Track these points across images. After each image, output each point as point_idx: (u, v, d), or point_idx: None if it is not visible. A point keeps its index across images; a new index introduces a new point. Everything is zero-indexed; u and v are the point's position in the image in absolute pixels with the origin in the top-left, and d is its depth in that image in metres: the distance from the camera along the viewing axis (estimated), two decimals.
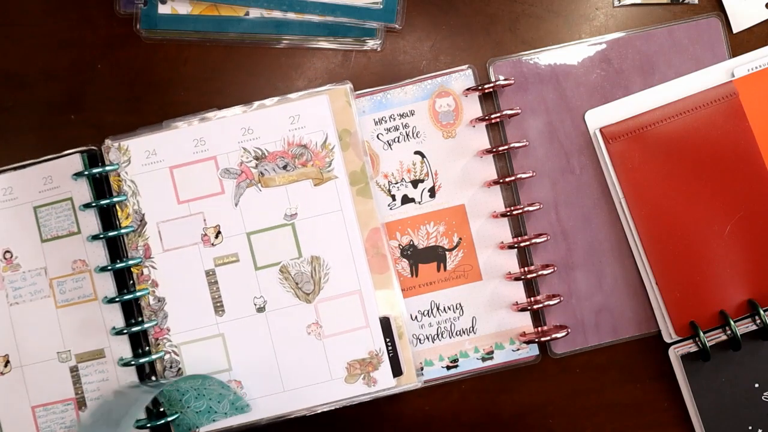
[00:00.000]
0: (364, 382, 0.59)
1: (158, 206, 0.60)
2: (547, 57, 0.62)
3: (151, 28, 0.62)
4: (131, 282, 0.60)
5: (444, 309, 0.61)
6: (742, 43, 0.62)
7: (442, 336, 0.60)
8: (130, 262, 0.59)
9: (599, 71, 0.61)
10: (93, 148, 0.60)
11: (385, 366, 0.59)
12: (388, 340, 0.59)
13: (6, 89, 0.62)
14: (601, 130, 0.60)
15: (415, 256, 0.61)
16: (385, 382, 0.59)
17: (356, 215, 0.60)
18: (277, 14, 0.62)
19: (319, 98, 0.60)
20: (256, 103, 0.61)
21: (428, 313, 0.61)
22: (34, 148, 0.61)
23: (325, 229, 0.59)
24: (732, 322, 0.58)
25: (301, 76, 0.63)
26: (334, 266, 0.59)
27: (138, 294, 0.59)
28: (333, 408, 0.59)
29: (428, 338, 0.60)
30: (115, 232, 0.59)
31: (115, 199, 0.59)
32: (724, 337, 0.59)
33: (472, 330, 0.60)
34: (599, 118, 0.61)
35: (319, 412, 0.59)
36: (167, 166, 0.60)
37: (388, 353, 0.59)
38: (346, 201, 0.60)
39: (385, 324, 0.59)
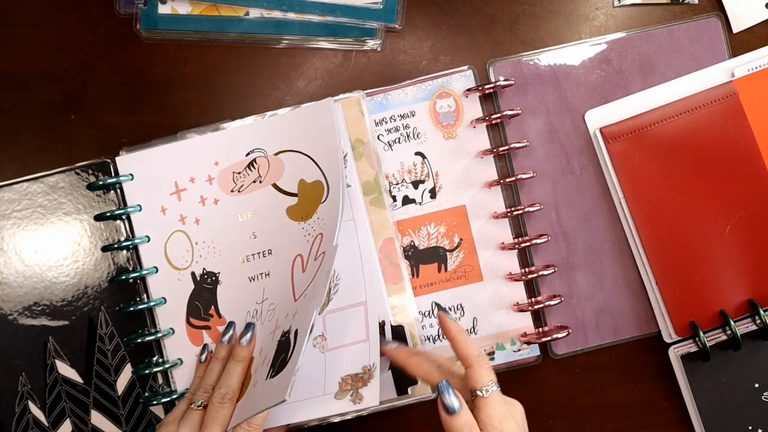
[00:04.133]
0: (350, 398, 0.54)
1: None
2: (547, 57, 0.61)
3: (151, 28, 0.61)
4: (145, 294, 0.60)
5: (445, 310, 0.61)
6: (742, 43, 0.62)
7: (443, 337, 0.60)
8: (144, 272, 0.59)
9: (599, 71, 0.61)
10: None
11: (374, 382, 0.54)
12: None
13: (6, 89, 0.62)
14: (601, 130, 0.60)
15: (416, 256, 0.61)
16: (370, 400, 0.54)
17: (369, 225, 0.59)
18: (277, 14, 0.61)
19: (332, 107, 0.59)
20: (269, 113, 0.60)
21: (429, 314, 0.60)
22: (35, 148, 0.61)
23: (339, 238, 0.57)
24: (732, 322, 0.58)
25: (301, 76, 0.62)
26: (344, 276, 0.58)
27: (151, 304, 0.59)
28: (315, 425, 0.58)
29: (429, 339, 0.60)
30: (130, 242, 0.59)
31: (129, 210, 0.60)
32: (724, 337, 0.59)
33: (473, 331, 0.60)
34: (599, 118, 0.61)
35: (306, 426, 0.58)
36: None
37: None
38: (359, 210, 0.59)
39: (400, 333, 0.58)
